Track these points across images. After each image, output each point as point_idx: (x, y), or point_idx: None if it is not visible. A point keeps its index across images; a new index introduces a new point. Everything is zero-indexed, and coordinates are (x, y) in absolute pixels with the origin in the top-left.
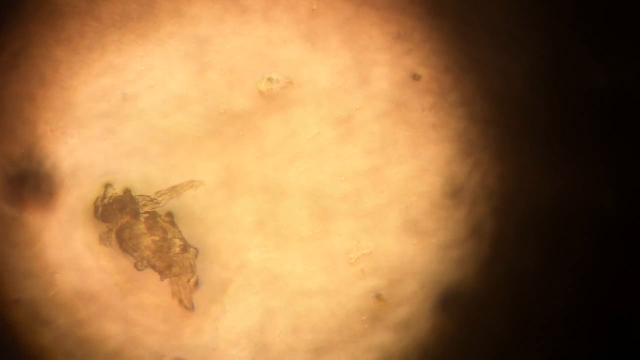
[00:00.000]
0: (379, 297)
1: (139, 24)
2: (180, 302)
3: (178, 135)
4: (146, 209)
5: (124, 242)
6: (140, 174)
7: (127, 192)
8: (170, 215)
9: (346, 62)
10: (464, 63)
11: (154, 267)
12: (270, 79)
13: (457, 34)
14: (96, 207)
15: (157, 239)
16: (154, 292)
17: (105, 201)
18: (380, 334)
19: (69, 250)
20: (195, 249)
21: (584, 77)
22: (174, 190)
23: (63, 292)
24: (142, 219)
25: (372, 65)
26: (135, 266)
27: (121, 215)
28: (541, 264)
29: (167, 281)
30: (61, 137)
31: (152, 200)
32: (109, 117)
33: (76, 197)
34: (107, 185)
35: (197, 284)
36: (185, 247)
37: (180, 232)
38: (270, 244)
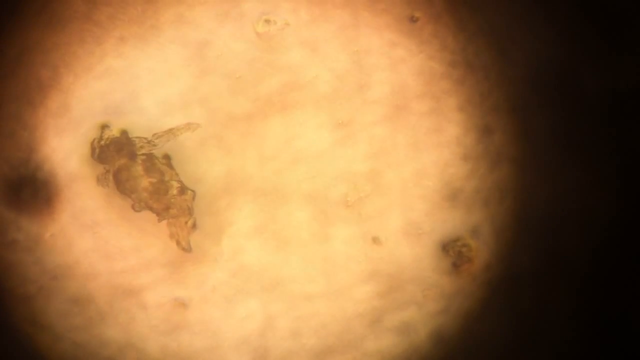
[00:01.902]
0: (375, 239)
1: (139, 28)
2: (178, 243)
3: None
4: (143, 151)
5: (121, 184)
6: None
7: (124, 133)
8: (167, 157)
9: (346, 65)
10: (462, 65)
11: (151, 209)
12: (267, 20)
13: (453, 39)
14: (93, 148)
15: (154, 180)
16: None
17: (102, 142)
18: (379, 337)
19: (68, 254)
20: (192, 190)
21: (580, 81)
22: (171, 132)
23: (62, 295)
24: (139, 161)
25: (372, 69)
26: (133, 207)
27: (118, 157)
28: (538, 266)
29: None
30: (60, 139)
31: (148, 142)
32: (108, 119)
33: (76, 200)
34: (104, 126)
35: (194, 225)
36: (183, 189)
37: (177, 174)
38: (270, 248)
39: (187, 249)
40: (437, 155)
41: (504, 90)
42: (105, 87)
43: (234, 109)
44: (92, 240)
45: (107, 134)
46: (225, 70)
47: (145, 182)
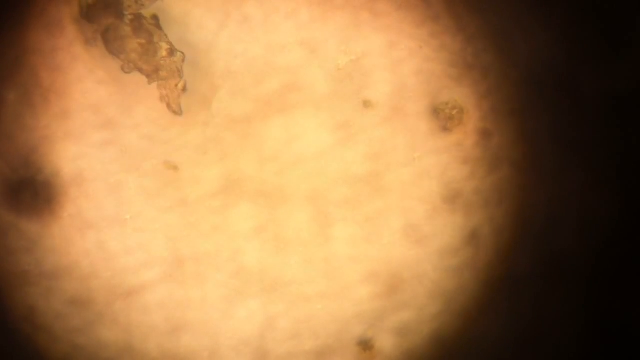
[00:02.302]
0: (366, 103)
1: None
2: (169, 106)
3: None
4: (130, 11)
5: (109, 43)
6: None
7: None
8: (155, 17)
9: (345, 66)
10: (461, 66)
11: (140, 70)
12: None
13: (452, 39)
14: (81, 7)
15: (143, 41)
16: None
17: (90, 1)
18: (380, 339)
19: (68, 256)
20: (182, 53)
21: (579, 83)
22: None
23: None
24: (127, 21)
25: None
26: (122, 68)
27: (105, 16)
28: (538, 268)
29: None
30: (60, 141)
31: (136, 1)
32: (108, 122)
33: (76, 202)
34: None
35: (184, 88)
36: (172, 51)
37: (166, 35)
38: (269, 249)
39: (177, 112)
40: (437, 157)
41: (503, 92)
42: (105, 91)
43: (233, 110)
44: (91, 241)
45: None
46: (225, 73)
47: (133, 42)
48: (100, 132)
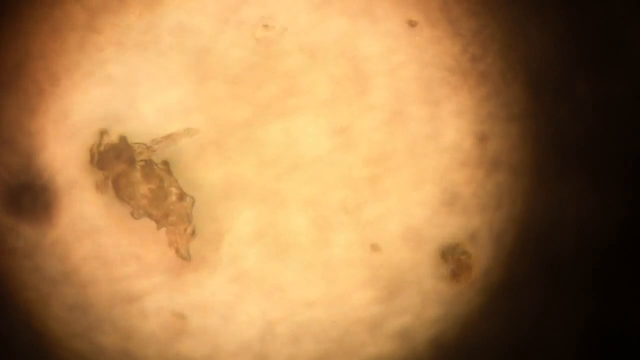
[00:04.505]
0: (374, 246)
1: (139, 35)
2: (177, 251)
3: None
4: (142, 157)
5: (120, 190)
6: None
7: (123, 139)
8: (166, 163)
9: (345, 71)
10: (459, 72)
11: (150, 216)
12: (266, 26)
13: (451, 43)
14: (92, 155)
15: (154, 187)
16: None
17: (101, 148)
18: (380, 343)
19: (68, 261)
20: (192, 197)
21: (577, 87)
22: (170, 138)
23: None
24: (138, 167)
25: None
26: (132, 215)
27: (117, 163)
28: (537, 272)
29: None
30: (60, 146)
31: (147, 148)
32: (109, 126)
33: (75, 208)
34: (103, 132)
35: (193, 233)
36: (182, 196)
37: (176, 180)
38: (269, 254)
39: (186, 257)
40: (436, 161)
41: (501, 96)
42: (105, 94)
43: (233, 115)
44: (91, 247)
45: (106, 140)
46: (225, 77)
47: (144, 188)
48: None
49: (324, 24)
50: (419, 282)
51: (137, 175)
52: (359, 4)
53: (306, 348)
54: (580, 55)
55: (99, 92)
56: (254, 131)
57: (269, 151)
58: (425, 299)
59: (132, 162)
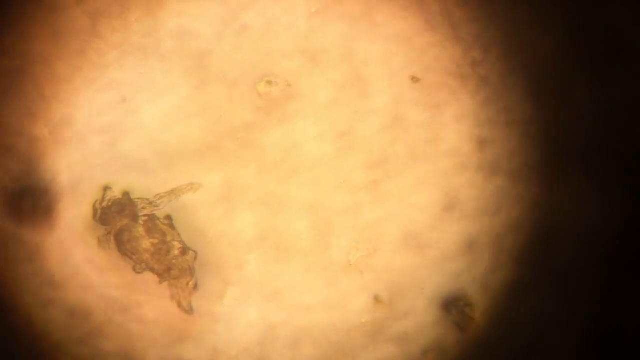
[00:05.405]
0: (377, 298)
1: (140, 39)
2: (179, 304)
3: (179, 147)
4: (145, 212)
5: (123, 245)
6: (139, 183)
7: (126, 194)
8: (169, 218)
9: (346, 75)
10: (460, 76)
11: (152, 270)
12: (269, 82)
13: (452, 45)
14: (95, 210)
15: (156, 241)
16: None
17: (104, 204)
18: (381, 347)
19: (68, 266)
20: (194, 251)
21: (577, 92)
22: (173, 193)
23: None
24: (141, 222)
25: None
26: (134, 269)
27: (120, 218)
28: (536, 276)
29: (165, 284)
30: (61, 151)
31: (150, 203)
32: (109, 131)
33: (75, 214)
34: (106, 188)
35: (196, 286)
36: (184, 250)
37: (179, 234)
38: (270, 257)
39: (188, 311)
40: (436, 164)
41: (501, 101)
42: (106, 99)
43: (234, 119)
44: (91, 252)
45: (109, 195)
46: (226, 81)
47: (146, 243)
48: None
49: (324, 28)
50: (419, 285)
51: (140, 229)
52: (359, 9)
53: (306, 352)
54: (580, 59)
55: (101, 97)
56: (255, 135)
57: (269, 155)
58: (426, 303)
59: (134, 217)
